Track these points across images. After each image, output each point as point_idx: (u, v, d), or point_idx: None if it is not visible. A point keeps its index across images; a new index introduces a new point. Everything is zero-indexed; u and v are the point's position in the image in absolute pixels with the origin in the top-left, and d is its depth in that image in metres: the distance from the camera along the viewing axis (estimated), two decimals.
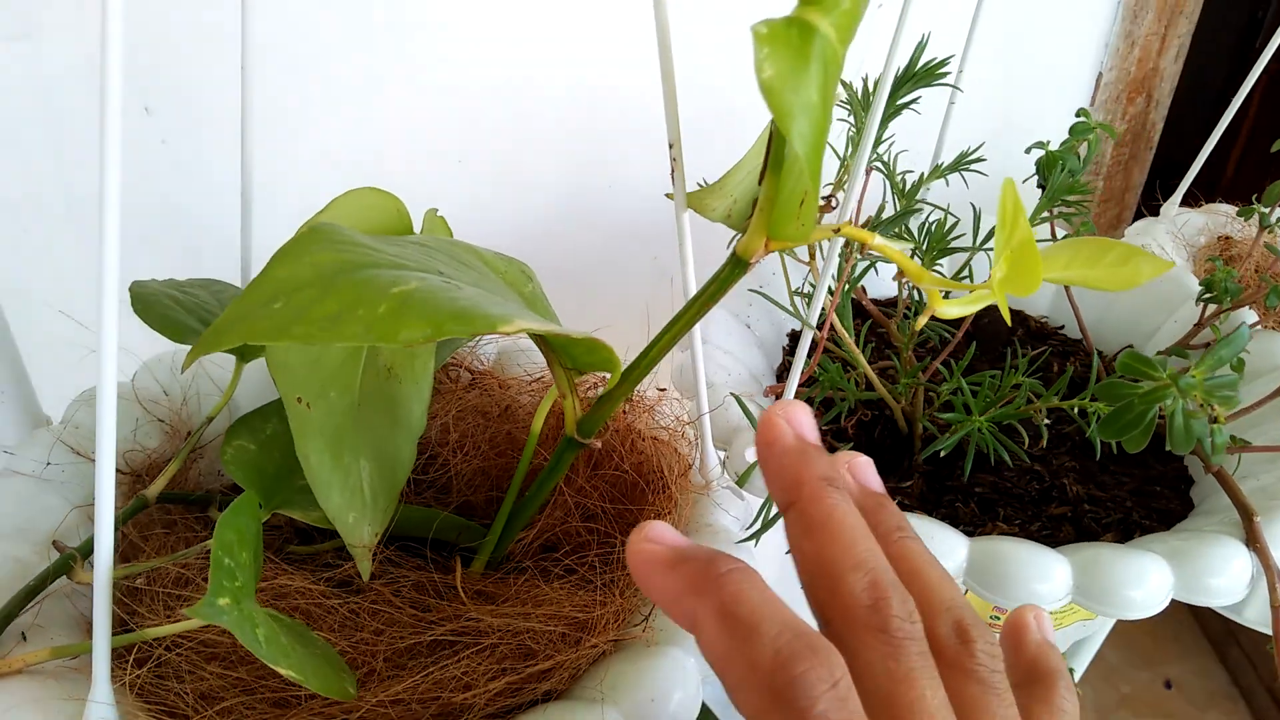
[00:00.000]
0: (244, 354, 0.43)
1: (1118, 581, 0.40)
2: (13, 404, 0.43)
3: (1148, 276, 0.36)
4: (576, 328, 0.38)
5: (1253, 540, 0.42)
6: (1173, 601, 0.67)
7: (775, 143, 0.32)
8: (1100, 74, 0.98)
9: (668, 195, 0.39)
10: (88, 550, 0.37)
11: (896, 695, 0.23)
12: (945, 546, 0.42)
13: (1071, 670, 0.82)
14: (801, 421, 0.31)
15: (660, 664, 0.34)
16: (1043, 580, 0.40)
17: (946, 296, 0.34)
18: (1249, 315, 0.56)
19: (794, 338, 0.63)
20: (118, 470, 0.44)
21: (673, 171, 0.37)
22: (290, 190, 0.56)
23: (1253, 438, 0.50)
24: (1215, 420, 0.34)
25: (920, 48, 0.49)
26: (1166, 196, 0.75)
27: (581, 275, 0.81)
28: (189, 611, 0.26)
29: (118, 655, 0.35)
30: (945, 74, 0.48)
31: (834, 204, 0.39)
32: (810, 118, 0.29)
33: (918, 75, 0.48)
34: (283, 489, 0.40)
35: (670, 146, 0.37)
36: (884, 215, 0.51)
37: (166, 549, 0.40)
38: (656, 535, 0.28)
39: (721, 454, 0.47)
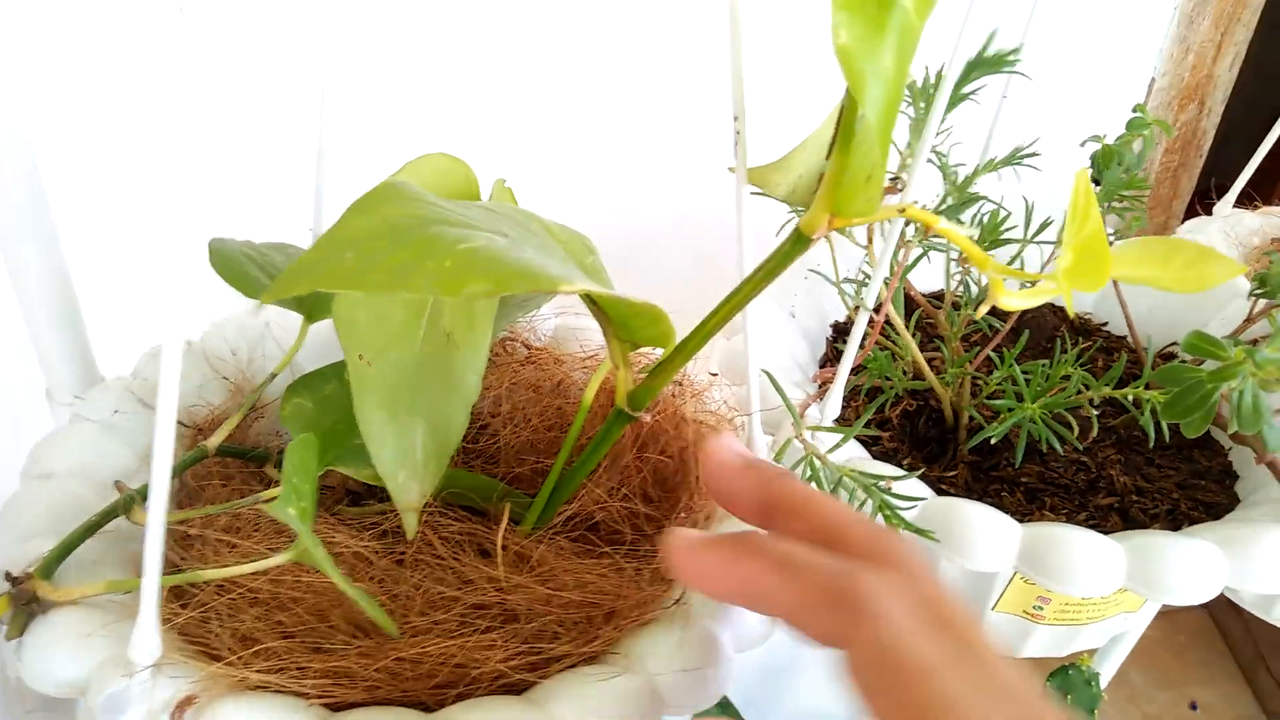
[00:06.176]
0: (310, 313, 0.44)
1: (1173, 567, 0.40)
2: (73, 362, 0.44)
3: (1219, 280, 0.36)
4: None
5: None
6: (1198, 623, 0.66)
7: (846, 115, 0.31)
8: (1153, 79, 0.97)
9: (730, 169, 0.39)
10: (148, 493, 0.37)
11: None
12: (998, 532, 0.42)
13: (1098, 675, 0.81)
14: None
15: (694, 636, 0.35)
16: (1098, 565, 0.40)
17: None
18: None
19: (838, 329, 0.63)
20: (180, 423, 0.44)
21: (735, 144, 0.37)
22: (367, 161, 0.56)
23: None
24: None
25: (991, 37, 0.48)
26: (1215, 205, 0.74)
27: (640, 261, 0.81)
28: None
29: (167, 595, 0.36)
30: (1015, 61, 0.48)
31: (900, 186, 0.39)
32: (884, 86, 0.29)
33: (988, 61, 0.48)
34: (337, 446, 0.40)
35: (735, 119, 0.37)
36: (941, 207, 0.50)
37: (222, 499, 0.40)
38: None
39: (770, 438, 0.47)
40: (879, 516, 0.36)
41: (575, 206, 0.78)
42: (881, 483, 0.37)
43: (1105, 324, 0.65)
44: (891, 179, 0.39)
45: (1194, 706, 1.93)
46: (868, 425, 0.54)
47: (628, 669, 0.34)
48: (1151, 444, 0.45)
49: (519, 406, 0.47)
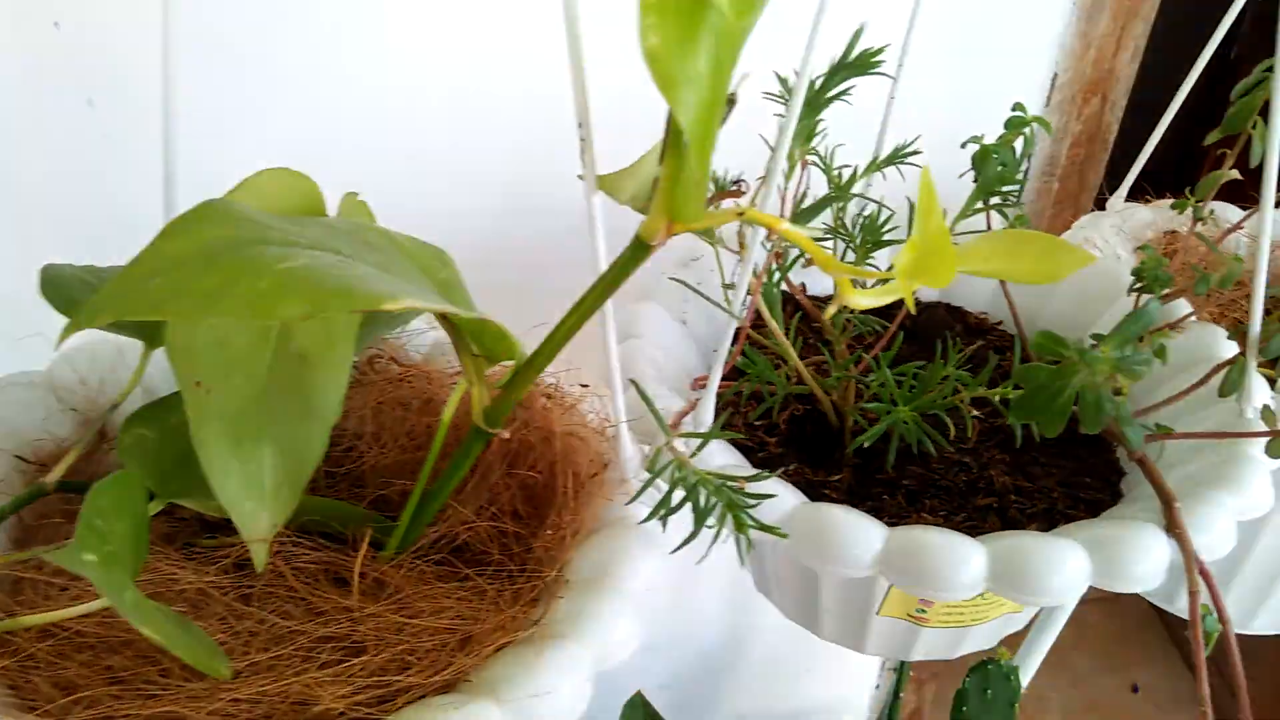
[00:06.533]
0: (152, 340, 0.42)
1: (1034, 569, 0.39)
2: None
3: (1069, 270, 0.36)
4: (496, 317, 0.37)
5: (1172, 526, 0.41)
6: (1141, 607, 0.67)
7: (673, 120, 0.31)
8: (1055, 74, 0.98)
9: (579, 176, 0.38)
10: None
11: None
12: (862, 537, 0.41)
13: (1016, 668, 0.81)
14: None
15: (549, 658, 0.34)
16: (959, 568, 0.40)
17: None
18: (1184, 307, 0.55)
19: (734, 334, 0.63)
20: (21, 459, 0.42)
21: (582, 152, 0.37)
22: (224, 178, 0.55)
23: (1187, 426, 0.49)
24: (1119, 393, 0.33)
25: (856, 36, 0.48)
26: (1147, 197, 0.75)
27: (530, 273, 0.80)
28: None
29: None
30: (879, 63, 0.48)
31: (744, 189, 0.38)
32: (697, 90, 0.28)
33: (852, 64, 0.47)
34: (180, 478, 0.39)
35: (579, 125, 0.36)
36: (801, 209, 0.50)
37: (62, 538, 0.39)
38: None
39: (647, 448, 0.47)
40: (728, 518, 0.36)
41: (463, 221, 0.77)
42: (733, 483, 0.36)
43: (1000, 323, 0.65)
44: (734, 183, 0.38)
45: (1135, 689, 1.96)
46: (756, 431, 0.54)
47: (478, 697, 0.33)
48: (1019, 443, 0.44)
49: (386, 426, 0.46)
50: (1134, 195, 0.75)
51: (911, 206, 0.56)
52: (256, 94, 0.67)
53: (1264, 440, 0.45)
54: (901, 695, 0.88)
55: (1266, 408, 0.45)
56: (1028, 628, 0.87)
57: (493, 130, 0.74)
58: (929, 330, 0.62)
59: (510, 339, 0.36)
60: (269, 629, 0.36)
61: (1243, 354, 0.47)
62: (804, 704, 1.28)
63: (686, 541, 0.37)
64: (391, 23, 0.69)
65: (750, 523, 0.36)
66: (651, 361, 0.53)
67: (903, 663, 0.87)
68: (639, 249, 0.33)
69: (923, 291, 0.67)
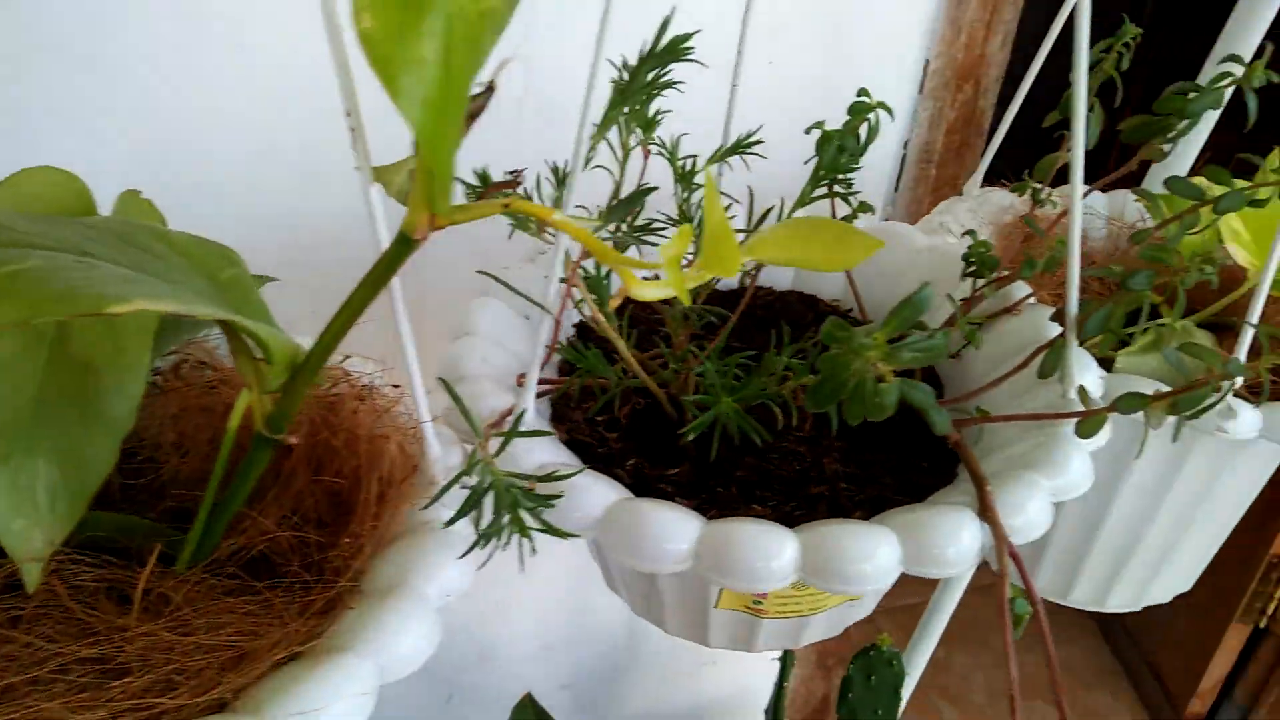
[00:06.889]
0: None
1: (845, 557, 0.39)
2: None
3: (861, 257, 0.35)
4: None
5: (984, 509, 0.41)
6: None
7: None
8: (927, 60, 0.99)
9: (357, 168, 0.37)
10: None
11: None
12: (673, 532, 0.40)
13: (899, 654, 0.81)
14: None
15: (324, 673, 0.32)
16: (771, 559, 0.39)
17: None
18: (1022, 289, 0.56)
19: (579, 329, 0.62)
20: None
21: (353, 143, 0.35)
22: None
23: (1020, 408, 0.49)
24: (881, 380, 0.33)
25: (665, 24, 0.47)
26: (1004, 181, 0.75)
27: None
28: None
29: None
30: (689, 50, 0.47)
31: (520, 179, 0.37)
32: (422, 76, 0.27)
33: (662, 52, 0.47)
34: None
35: (347, 115, 0.35)
36: (613, 201, 0.49)
37: None
38: None
39: (469, 447, 0.45)
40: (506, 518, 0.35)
41: (310, 222, 0.75)
42: (524, 483, 0.35)
43: (850, 310, 0.65)
44: (511, 173, 0.37)
45: None
46: (596, 427, 0.53)
47: (242, 717, 0.32)
48: (834, 430, 0.44)
49: (187, 433, 0.44)
50: (997, 180, 0.76)
51: (750, 196, 0.56)
52: (97, 93, 0.65)
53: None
54: (787, 685, 0.88)
55: (1082, 388, 0.45)
56: (922, 609, 0.88)
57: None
58: (780, 319, 0.62)
59: (271, 342, 0.34)
60: (32, 652, 0.34)
61: (1063, 335, 0.47)
62: (706, 698, 1.28)
63: (475, 545, 0.36)
64: (240, 20, 0.67)
65: (534, 524, 0.35)
66: (485, 359, 0.52)
67: (786, 653, 0.87)
68: (403, 244, 0.32)
69: (776, 279, 0.67)
